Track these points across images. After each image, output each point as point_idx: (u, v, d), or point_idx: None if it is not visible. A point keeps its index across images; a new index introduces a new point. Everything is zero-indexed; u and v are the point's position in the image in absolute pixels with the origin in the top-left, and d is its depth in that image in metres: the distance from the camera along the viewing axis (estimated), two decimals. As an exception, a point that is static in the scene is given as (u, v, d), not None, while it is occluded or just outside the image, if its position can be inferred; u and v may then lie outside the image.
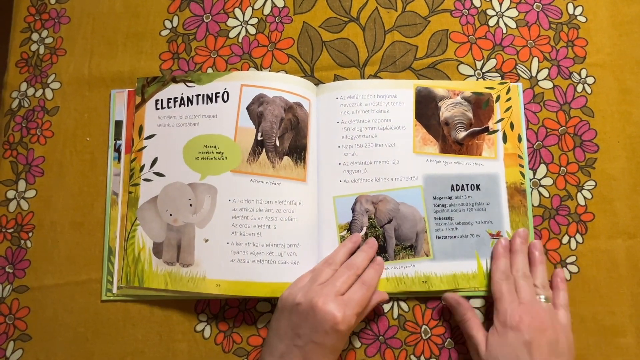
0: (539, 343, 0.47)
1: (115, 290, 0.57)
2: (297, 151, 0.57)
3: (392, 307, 0.56)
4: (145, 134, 0.59)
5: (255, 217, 0.55)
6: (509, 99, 0.59)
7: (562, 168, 0.59)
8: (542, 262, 0.54)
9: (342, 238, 0.56)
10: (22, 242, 0.59)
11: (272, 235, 0.55)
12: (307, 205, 0.56)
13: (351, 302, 0.49)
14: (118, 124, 0.60)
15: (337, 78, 0.61)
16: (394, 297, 0.56)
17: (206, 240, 0.55)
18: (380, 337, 0.56)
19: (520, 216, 0.57)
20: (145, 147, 0.59)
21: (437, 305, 0.56)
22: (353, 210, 0.57)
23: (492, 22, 0.62)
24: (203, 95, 0.59)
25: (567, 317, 0.52)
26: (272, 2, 0.64)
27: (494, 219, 0.57)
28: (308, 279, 0.52)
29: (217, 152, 0.57)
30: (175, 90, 0.59)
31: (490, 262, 0.55)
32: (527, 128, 0.59)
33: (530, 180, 0.58)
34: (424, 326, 0.56)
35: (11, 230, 0.59)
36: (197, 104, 0.59)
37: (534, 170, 0.59)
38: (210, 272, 0.55)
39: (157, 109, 0.59)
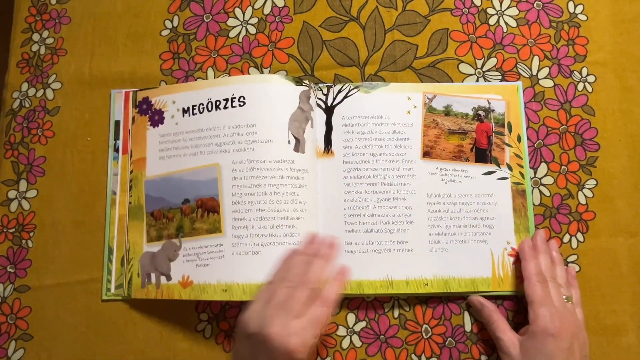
0: (575, 348, 0.47)
1: (113, 290, 0.57)
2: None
3: (392, 307, 0.56)
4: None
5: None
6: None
7: (563, 167, 0.59)
8: (561, 261, 0.54)
9: None
10: (24, 241, 0.59)
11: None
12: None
13: (308, 326, 0.44)
14: (118, 124, 0.61)
15: (337, 77, 0.61)
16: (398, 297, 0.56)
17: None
18: (381, 336, 0.56)
19: (521, 218, 0.57)
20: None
21: (438, 305, 0.56)
22: None
23: (492, 20, 0.62)
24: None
25: (582, 315, 0.52)
26: (272, 1, 0.64)
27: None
28: (262, 300, 0.47)
29: None
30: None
31: (514, 264, 0.55)
32: (528, 127, 0.59)
33: (531, 179, 0.58)
34: (424, 325, 0.56)
35: (12, 230, 0.59)
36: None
37: (535, 169, 0.59)
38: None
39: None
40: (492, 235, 0.56)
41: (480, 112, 0.59)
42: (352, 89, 0.59)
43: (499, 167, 0.58)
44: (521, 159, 0.58)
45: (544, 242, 0.54)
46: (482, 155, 0.58)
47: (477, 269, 0.56)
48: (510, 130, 0.59)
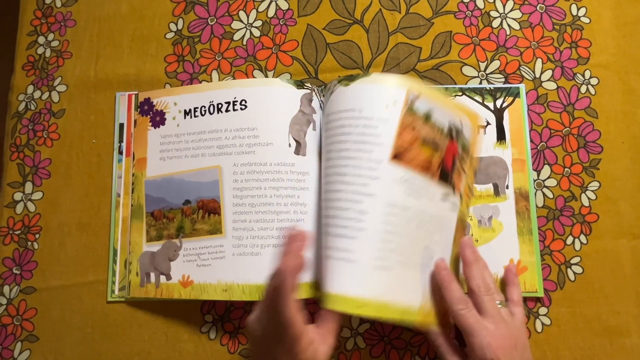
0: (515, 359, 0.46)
1: (117, 292, 0.57)
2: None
3: (396, 308, 0.57)
4: None
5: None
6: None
7: (566, 169, 0.59)
8: (486, 265, 0.51)
9: None
10: (29, 243, 0.59)
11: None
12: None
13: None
14: (122, 126, 0.61)
15: (341, 80, 0.61)
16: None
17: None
18: (385, 337, 0.56)
19: (524, 221, 0.57)
20: None
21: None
22: None
23: (495, 23, 0.62)
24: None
25: (523, 314, 0.51)
26: (276, 4, 0.64)
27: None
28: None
29: None
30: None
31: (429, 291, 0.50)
32: (531, 129, 0.59)
33: (534, 181, 0.58)
34: (428, 327, 0.56)
35: (18, 232, 0.60)
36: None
37: (538, 171, 0.59)
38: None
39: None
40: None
41: (453, 130, 0.52)
42: (335, 85, 0.53)
43: (454, 193, 0.52)
44: (472, 192, 0.56)
45: (475, 251, 0.51)
46: (445, 176, 0.51)
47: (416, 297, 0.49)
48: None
